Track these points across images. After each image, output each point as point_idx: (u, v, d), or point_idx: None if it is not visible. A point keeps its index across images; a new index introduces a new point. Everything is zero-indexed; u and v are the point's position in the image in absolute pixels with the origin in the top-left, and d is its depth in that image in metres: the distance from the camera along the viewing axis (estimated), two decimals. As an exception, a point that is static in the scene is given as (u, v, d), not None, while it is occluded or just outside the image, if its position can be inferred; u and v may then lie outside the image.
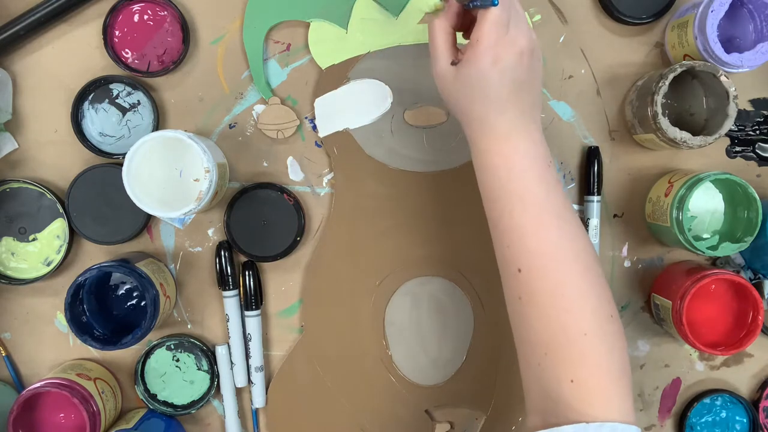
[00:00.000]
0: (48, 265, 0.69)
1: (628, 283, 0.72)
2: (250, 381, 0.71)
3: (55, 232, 0.69)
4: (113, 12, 0.67)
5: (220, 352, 0.70)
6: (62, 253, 0.68)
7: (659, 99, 0.63)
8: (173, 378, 0.70)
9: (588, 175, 0.70)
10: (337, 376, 0.70)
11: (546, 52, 0.69)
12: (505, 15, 0.53)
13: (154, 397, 0.70)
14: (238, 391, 0.71)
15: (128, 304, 0.69)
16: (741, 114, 0.70)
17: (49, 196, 0.68)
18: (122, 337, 0.63)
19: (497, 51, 0.53)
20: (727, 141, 0.71)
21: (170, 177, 0.61)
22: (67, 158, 0.69)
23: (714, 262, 0.71)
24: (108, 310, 0.68)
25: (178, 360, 0.70)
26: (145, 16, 0.67)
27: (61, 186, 0.69)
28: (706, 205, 0.68)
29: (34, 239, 0.69)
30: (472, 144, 0.57)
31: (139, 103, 0.68)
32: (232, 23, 0.69)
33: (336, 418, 0.71)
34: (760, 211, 0.64)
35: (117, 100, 0.68)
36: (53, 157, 0.69)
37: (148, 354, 0.70)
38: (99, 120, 0.68)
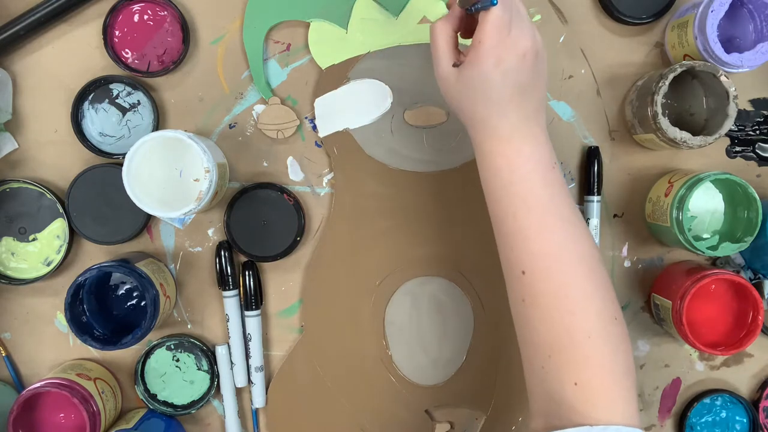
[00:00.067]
0: (48, 265, 0.69)
1: (628, 283, 0.72)
2: (250, 381, 0.71)
3: (55, 232, 0.69)
4: (113, 12, 0.67)
5: (220, 352, 0.70)
6: (62, 253, 0.68)
7: (659, 99, 0.63)
8: (173, 378, 0.70)
9: (588, 175, 0.70)
10: (337, 376, 0.70)
11: (546, 52, 0.69)
12: (506, 16, 0.52)
13: (154, 397, 0.70)
14: (238, 391, 0.71)
15: (128, 304, 0.69)
16: (741, 114, 0.70)
17: (49, 196, 0.68)
18: (122, 337, 0.63)
19: (499, 52, 0.53)
20: (727, 141, 0.71)
21: (170, 177, 0.61)
22: (67, 158, 0.69)
23: (714, 262, 0.71)
24: (108, 310, 0.68)
25: (178, 360, 0.70)
26: (145, 16, 0.67)
27: (61, 186, 0.69)
28: (706, 205, 0.68)
29: (34, 239, 0.69)
30: (475, 146, 0.57)
31: (139, 103, 0.68)
32: (232, 23, 0.69)
33: (336, 418, 0.71)
34: (760, 211, 0.64)
35: (117, 100, 0.68)
36: (53, 157, 0.69)
37: (148, 354, 0.70)
38: (99, 120, 0.68)
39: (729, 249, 0.65)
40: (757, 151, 0.71)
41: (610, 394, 0.52)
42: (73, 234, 0.69)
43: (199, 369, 0.70)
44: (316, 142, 0.70)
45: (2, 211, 0.68)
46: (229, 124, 0.70)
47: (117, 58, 0.67)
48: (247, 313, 0.69)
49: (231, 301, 0.69)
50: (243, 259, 0.70)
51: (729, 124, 0.63)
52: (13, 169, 0.69)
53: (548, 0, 0.69)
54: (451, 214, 0.70)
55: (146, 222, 0.69)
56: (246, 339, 0.70)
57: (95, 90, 0.68)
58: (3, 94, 0.67)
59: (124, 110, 0.68)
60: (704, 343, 0.65)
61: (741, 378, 0.73)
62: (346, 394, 0.70)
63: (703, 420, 0.72)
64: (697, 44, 0.64)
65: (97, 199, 0.68)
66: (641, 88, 0.67)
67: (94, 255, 0.70)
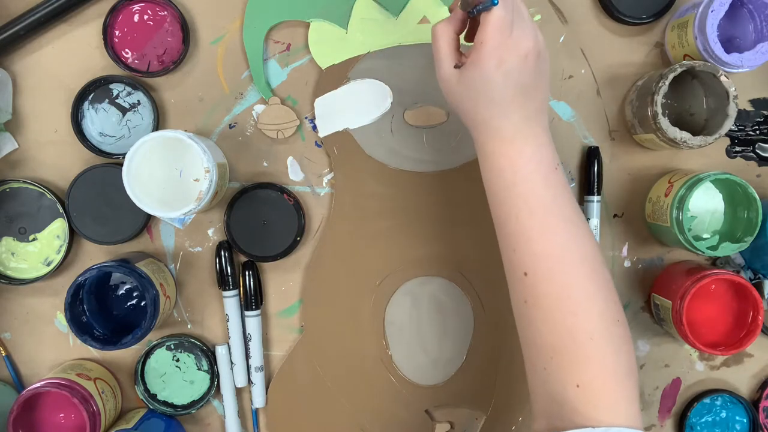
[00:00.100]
0: (48, 265, 0.69)
1: (628, 283, 0.72)
2: (250, 381, 0.71)
3: (55, 232, 0.69)
4: (113, 12, 0.67)
5: (220, 352, 0.70)
6: (62, 253, 0.68)
7: (659, 99, 0.63)
8: (173, 378, 0.70)
9: (588, 175, 0.70)
10: (337, 376, 0.70)
11: (548, 53, 0.69)
12: (508, 17, 0.52)
13: (154, 397, 0.70)
14: (238, 391, 0.71)
15: (128, 304, 0.69)
16: (741, 114, 0.70)
17: (49, 196, 0.68)
18: (122, 337, 0.63)
19: (501, 53, 0.52)
20: (727, 141, 0.71)
21: (170, 177, 0.61)
22: (67, 158, 0.69)
23: (714, 262, 0.71)
24: (108, 310, 0.68)
25: (178, 360, 0.70)
26: (145, 16, 0.67)
27: (61, 186, 0.69)
28: (706, 205, 0.68)
29: (34, 239, 0.69)
30: (478, 147, 0.57)
31: (139, 103, 0.68)
32: (232, 23, 0.69)
33: (336, 418, 0.71)
34: (760, 211, 0.64)
35: (117, 100, 0.68)
36: (53, 157, 0.69)
37: (148, 354, 0.70)
38: (99, 120, 0.68)
39: (729, 249, 0.65)
40: (757, 151, 0.71)
41: (613, 395, 0.52)
42: (73, 234, 0.69)
43: (199, 369, 0.70)
44: (316, 142, 0.70)
45: (2, 211, 0.68)
46: (229, 124, 0.70)
47: (117, 58, 0.67)
48: (247, 313, 0.69)
49: (231, 301, 0.69)
50: (243, 259, 0.70)
51: (729, 124, 0.63)
52: (13, 169, 0.69)
53: (548, 0, 0.69)
54: (451, 214, 0.70)
55: (146, 222, 0.69)
56: (246, 339, 0.70)
57: (95, 90, 0.68)
58: (3, 94, 0.67)
59: (124, 110, 0.68)
60: (704, 343, 0.65)
61: (741, 378, 0.73)
62: (346, 394, 0.70)
63: (703, 420, 0.72)
64: (697, 44, 0.64)
65: (97, 199, 0.68)
66: (641, 88, 0.67)
67: (94, 255, 0.70)
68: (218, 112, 0.69)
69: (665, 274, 0.71)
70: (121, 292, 0.69)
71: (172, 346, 0.70)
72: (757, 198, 0.64)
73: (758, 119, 0.71)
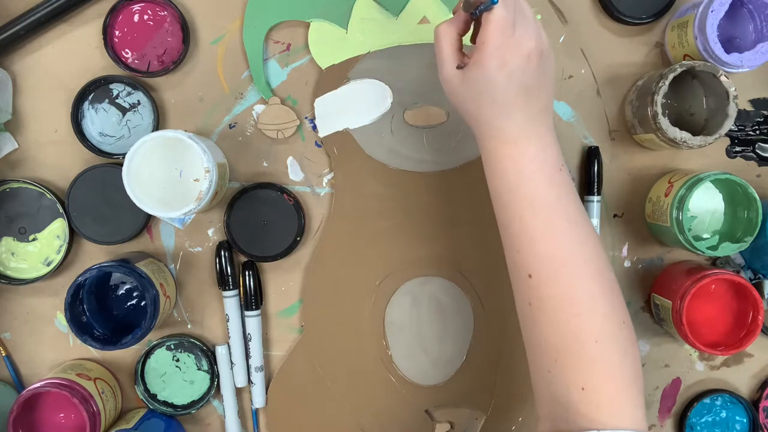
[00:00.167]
0: (48, 265, 0.69)
1: (628, 283, 0.72)
2: (250, 381, 0.71)
3: (55, 232, 0.69)
4: (113, 12, 0.67)
5: (220, 352, 0.70)
6: (62, 253, 0.68)
7: (659, 99, 0.63)
8: (173, 378, 0.70)
9: (588, 175, 0.70)
10: (337, 376, 0.70)
11: (552, 52, 0.69)
12: (509, 16, 0.52)
13: (154, 397, 0.70)
14: (238, 391, 0.71)
15: (128, 304, 0.69)
16: (741, 114, 0.70)
17: (49, 196, 0.68)
18: (122, 337, 0.63)
19: (503, 53, 0.52)
20: (727, 141, 0.71)
21: (170, 177, 0.61)
22: (67, 158, 0.69)
23: (714, 262, 0.71)
24: (108, 310, 0.68)
25: (178, 360, 0.70)
26: (145, 16, 0.67)
27: (61, 186, 0.69)
28: (706, 205, 0.68)
29: (34, 239, 0.69)
30: (481, 148, 0.57)
31: (139, 103, 0.68)
32: (232, 23, 0.69)
33: (336, 418, 0.71)
34: (760, 211, 0.64)
35: (117, 100, 0.68)
36: (53, 157, 0.69)
37: (148, 354, 0.70)
38: (99, 120, 0.68)
39: (729, 249, 0.65)
40: (757, 151, 0.71)
41: (618, 398, 0.51)
42: (73, 234, 0.69)
43: (199, 369, 0.70)
44: (316, 142, 0.70)
45: (2, 211, 0.68)
46: (229, 124, 0.70)
47: (117, 58, 0.67)
48: (247, 313, 0.69)
49: (231, 301, 0.69)
50: (243, 259, 0.70)
51: (729, 124, 0.63)
52: (13, 169, 0.69)
53: (548, 0, 0.69)
54: (451, 214, 0.70)
55: (146, 222, 0.69)
56: (246, 339, 0.70)
57: (95, 90, 0.68)
58: (3, 94, 0.67)
59: (124, 110, 0.68)
60: (704, 343, 0.65)
61: (741, 378, 0.73)
62: (346, 394, 0.70)
63: (703, 420, 0.72)
64: (697, 44, 0.64)
65: (97, 199, 0.68)
66: (641, 88, 0.67)
67: (94, 255, 0.70)
68: (218, 112, 0.69)
69: (665, 274, 0.71)
70: (121, 292, 0.69)
71: (172, 346, 0.70)
72: (757, 198, 0.64)
73: (758, 119, 0.71)
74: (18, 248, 0.69)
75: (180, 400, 0.71)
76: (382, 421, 0.71)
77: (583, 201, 0.70)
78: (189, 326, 0.71)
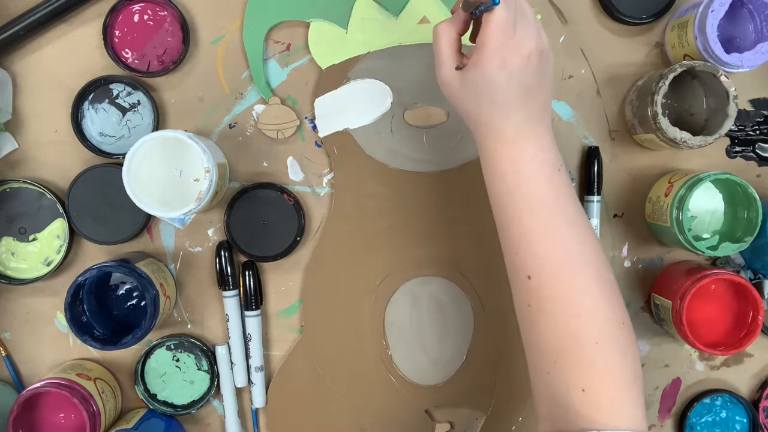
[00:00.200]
0: (48, 265, 0.69)
1: (628, 283, 0.72)
2: (250, 381, 0.71)
3: (55, 232, 0.69)
4: (113, 12, 0.67)
5: (220, 352, 0.70)
6: (62, 253, 0.68)
7: (659, 99, 0.63)
8: (173, 378, 0.70)
9: (588, 175, 0.70)
10: (337, 376, 0.70)
11: (552, 53, 0.69)
12: (510, 17, 0.52)
13: (154, 397, 0.70)
14: (238, 391, 0.71)
15: (128, 304, 0.69)
16: (741, 114, 0.70)
17: (49, 196, 0.68)
18: (122, 337, 0.63)
19: (503, 54, 0.52)
20: (727, 141, 0.71)
21: (170, 177, 0.61)
22: (67, 158, 0.69)
23: (714, 262, 0.71)
24: (108, 310, 0.68)
25: (178, 360, 0.70)
26: (145, 16, 0.67)
27: (61, 186, 0.69)
28: (706, 205, 0.68)
29: (34, 239, 0.69)
30: (480, 148, 0.57)
31: (139, 103, 0.68)
32: (232, 23, 0.69)
33: (336, 418, 0.71)
34: (760, 211, 0.64)
35: (117, 100, 0.68)
36: (53, 157, 0.69)
37: (148, 354, 0.70)
38: (99, 120, 0.68)
39: (729, 249, 0.65)
40: (757, 151, 0.71)
41: (618, 399, 0.51)
42: (73, 234, 0.69)
43: (199, 369, 0.70)
44: (316, 142, 0.70)
45: (2, 211, 0.68)
46: (229, 124, 0.70)
47: (117, 58, 0.67)
48: (247, 313, 0.69)
49: (231, 301, 0.69)
50: (243, 259, 0.70)
51: (729, 124, 0.63)
52: (13, 169, 0.69)
53: (548, 0, 0.69)
54: (451, 214, 0.70)
55: (146, 222, 0.69)
56: (246, 339, 0.70)
57: (95, 90, 0.68)
58: (3, 94, 0.68)
59: (124, 110, 0.68)
60: (704, 343, 0.65)
61: (741, 378, 0.73)
62: (346, 394, 0.70)
63: (703, 420, 0.72)
64: (697, 44, 0.64)
65: (97, 199, 0.68)
66: (641, 88, 0.67)
67: (94, 255, 0.70)
68: (218, 112, 0.69)
69: (665, 274, 0.71)
70: (121, 292, 0.69)
71: (172, 346, 0.70)
72: (757, 198, 0.64)
73: (758, 119, 0.71)
74: (18, 248, 0.69)
75: (180, 400, 0.71)
76: (382, 421, 0.71)
77: (583, 201, 0.70)
78: (189, 326, 0.71)
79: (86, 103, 0.68)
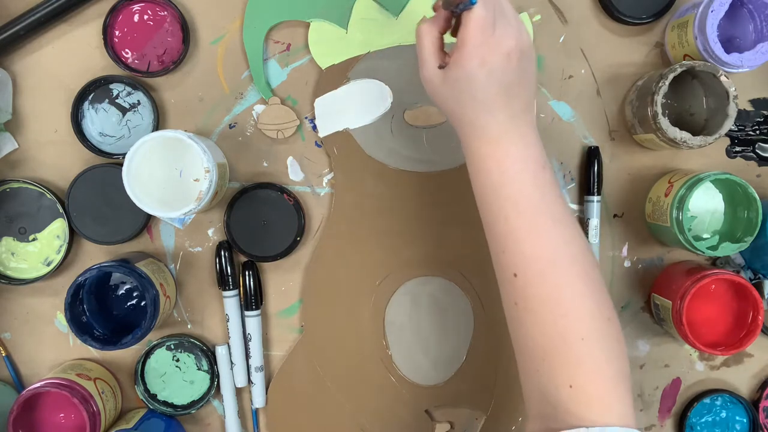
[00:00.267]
0: (48, 265, 0.69)
1: (628, 283, 0.72)
2: (250, 381, 0.71)
3: (55, 232, 0.69)
4: (113, 12, 0.67)
5: (220, 352, 0.70)
6: (62, 253, 0.68)
7: (659, 99, 0.63)
8: (173, 378, 0.70)
9: (588, 175, 0.70)
10: (337, 376, 0.70)
11: (546, 52, 0.69)
12: (489, 15, 0.52)
13: (154, 397, 0.70)
14: (238, 391, 0.71)
15: (128, 304, 0.69)
16: (741, 114, 0.70)
17: (49, 196, 0.68)
18: (122, 337, 0.63)
19: (483, 52, 0.52)
20: (727, 141, 0.71)
21: (170, 177, 0.61)
22: (67, 158, 0.69)
23: (714, 262, 0.71)
24: (108, 310, 0.68)
25: (178, 360, 0.70)
26: (145, 16, 0.67)
27: (61, 186, 0.69)
28: (706, 205, 0.68)
29: (34, 239, 0.69)
30: (464, 148, 0.57)
31: (139, 103, 0.68)
32: (232, 23, 0.69)
33: (336, 418, 0.71)
34: (760, 211, 0.64)
35: (117, 100, 0.68)
36: (53, 157, 0.69)
37: (148, 354, 0.70)
38: (99, 120, 0.68)
39: (729, 249, 0.65)
40: (757, 151, 0.71)
41: (605, 395, 0.51)
42: (73, 234, 0.69)
43: (199, 369, 0.70)
44: (316, 142, 0.70)
45: (2, 211, 0.68)
46: (229, 124, 0.70)
47: (117, 58, 0.67)
48: (247, 313, 0.69)
49: (231, 301, 0.69)
50: (243, 259, 0.70)
51: (729, 124, 0.63)
52: (13, 169, 0.69)
53: (548, 0, 0.69)
54: (451, 214, 0.70)
55: (146, 222, 0.69)
56: (246, 339, 0.70)
57: (95, 90, 0.68)
58: (3, 94, 0.68)
59: (124, 110, 0.68)
60: (704, 343, 0.65)
61: (741, 378, 0.73)
62: (346, 394, 0.70)
63: (703, 420, 0.72)
64: (697, 44, 0.64)
65: (97, 199, 0.68)
66: (641, 88, 0.67)
67: (94, 255, 0.70)
68: (218, 112, 0.69)
69: (665, 274, 0.71)
70: (121, 292, 0.69)
71: (172, 346, 0.70)
72: (757, 198, 0.64)
73: (758, 119, 0.71)
74: (18, 248, 0.69)
75: (180, 400, 0.71)
76: (382, 421, 0.71)
77: (583, 201, 0.70)
78: (189, 326, 0.71)
79: (86, 103, 0.68)
